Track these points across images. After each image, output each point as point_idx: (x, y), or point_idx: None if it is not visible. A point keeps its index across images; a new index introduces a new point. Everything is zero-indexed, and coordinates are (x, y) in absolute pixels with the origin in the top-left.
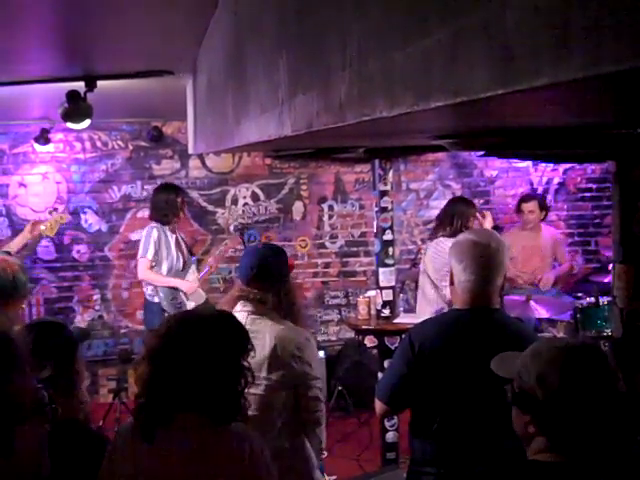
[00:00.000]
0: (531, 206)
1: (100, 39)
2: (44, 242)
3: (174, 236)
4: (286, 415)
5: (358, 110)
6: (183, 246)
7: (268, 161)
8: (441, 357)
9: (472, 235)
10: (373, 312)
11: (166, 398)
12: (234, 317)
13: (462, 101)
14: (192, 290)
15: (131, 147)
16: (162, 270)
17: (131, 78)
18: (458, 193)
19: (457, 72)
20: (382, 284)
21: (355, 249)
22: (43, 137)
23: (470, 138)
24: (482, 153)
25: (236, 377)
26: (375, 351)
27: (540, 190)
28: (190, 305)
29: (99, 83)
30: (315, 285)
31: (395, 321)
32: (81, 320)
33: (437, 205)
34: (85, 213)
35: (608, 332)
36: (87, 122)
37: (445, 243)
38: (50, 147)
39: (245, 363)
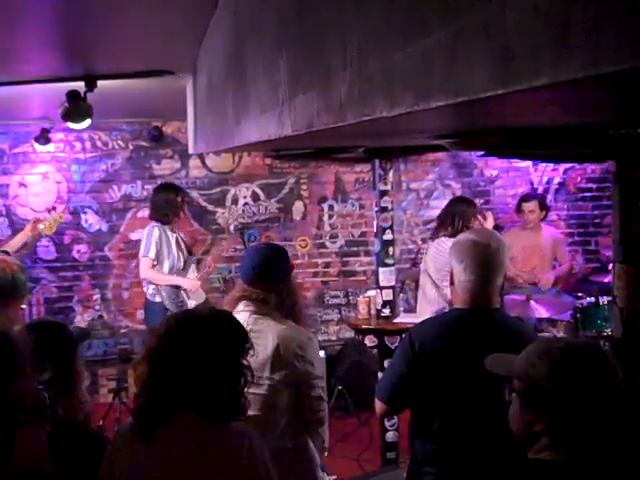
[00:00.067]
0: (531, 206)
1: (100, 39)
2: (44, 242)
3: (174, 235)
4: (289, 415)
5: (358, 110)
6: (183, 246)
7: (268, 161)
8: (441, 357)
9: (472, 235)
10: (373, 312)
11: (165, 398)
12: (233, 316)
13: (462, 101)
14: (195, 288)
15: (131, 147)
16: (164, 269)
17: (131, 78)
18: (458, 193)
19: (457, 72)
20: (382, 284)
21: (355, 249)
22: (43, 137)
23: (470, 138)
24: (482, 153)
25: (235, 376)
26: (375, 351)
27: (540, 190)
28: (191, 304)
29: (99, 83)
30: (315, 285)
31: (395, 321)
32: (81, 320)
33: (437, 205)
34: (85, 213)
35: (608, 332)
36: (87, 122)
37: (446, 243)
38: (50, 147)
39: (244, 362)
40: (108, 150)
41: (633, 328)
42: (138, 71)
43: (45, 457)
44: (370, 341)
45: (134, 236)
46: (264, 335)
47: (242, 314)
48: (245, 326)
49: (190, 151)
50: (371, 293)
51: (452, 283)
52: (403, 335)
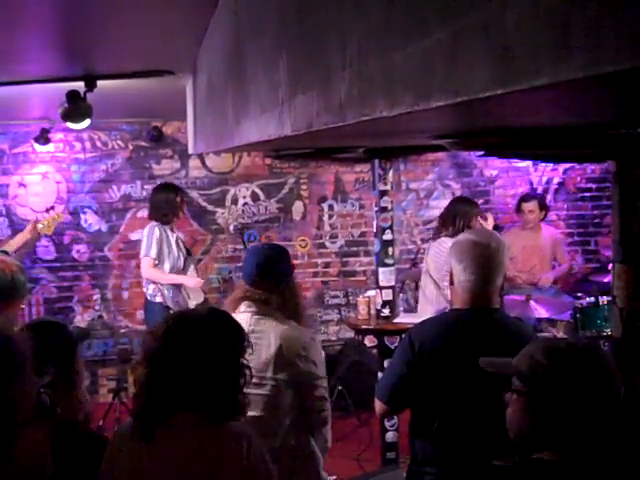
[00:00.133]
0: (531, 206)
1: (100, 39)
2: (44, 242)
3: (174, 235)
4: (292, 415)
5: (358, 110)
6: (182, 245)
7: (268, 161)
8: (441, 357)
9: (472, 235)
10: (373, 312)
11: (165, 398)
12: (230, 316)
13: (462, 101)
14: (198, 285)
15: (131, 147)
16: (164, 268)
17: (131, 78)
18: (458, 193)
19: (457, 72)
20: (382, 284)
21: (355, 249)
22: (43, 137)
23: (470, 138)
24: (482, 153)
25: (234, 375)
26: (375, 351)
27: (540, 190)
28: (192, 304)
29: (99, 83)
30: (315, 285)
31: (395, 321)
32: (81, 320)
33: (437, 205)
34: (85, 213)
35: (608, 332)
36: (87, 122)
37: (447, 243)
38: (50, 147)
39: (243, 361)
40: (108, 150)
41: (633, 328)
42: (138, 71)
43: (46, 458)
44: (370, 341)
45: (134, 236)
46: (266, 336)
47: (244, 315)
48: (247, 327)
49: (190, 151)
50: (371, 293)
51: (452, 283)
52: (403, 335)
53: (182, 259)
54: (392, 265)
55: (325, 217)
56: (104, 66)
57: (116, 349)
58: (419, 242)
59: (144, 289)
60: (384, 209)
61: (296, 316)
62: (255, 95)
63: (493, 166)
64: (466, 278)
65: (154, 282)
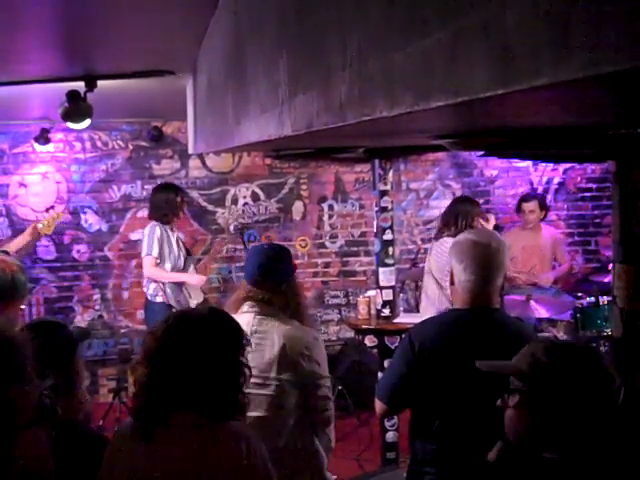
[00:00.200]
0: (532, 206)
1: (100, 39)
2: (44, 242)
3: (175, 235)
4: (296, 415)
5: (358, 110)
6: (182, 245)
7: (268, 161)
8: (441, 357)
9: (472, 235)
10: (373, 312)
11: (164, 397)
12: (229, 315)
13: (462, 101)
14: (201, 282)
15: (131, 147)
16: (165, 268)
17: (131, 78)
18: (458, 193)
19: (457, 72)
20: (382, 284)
21: (355, 249)
22: (43, 137)
23: (470, 138)
24: (482, 153)
25: (234, 375)
26: (375, 351)
27: (540, 190)
28: (193, 303)
29: (99, 83)
30: (315, 285)
31: (395, 321)
32: (81, 320)
33: (437, 205)
34: (85, 213)
35: (608, 332)
36: (87, 122)
37: (449, 243)
38: (50, 147)
39: (243, 360)
40: (108, 150)
41: (633, 328)
42: (138, 71)
43: (47, 459)
44: (370, 341)
45: (134, 236)
46: (270, 336)
47: (247, 315)
48: (250, 327)
49: (190, 151)
50: (371, 293)
51: (452, 283)
52: (403, 335)
53: (182, 259)
54: (392, 265)
55: (325, 217)
56: (104, 66)
57: (116, 349)
58: (419, 242)
59: (144, 289)
60: (384, 209)
61: (298, 316)
62: (255, 95)
63: (493, 166)
64: (466, 278)
65: (156, 281)
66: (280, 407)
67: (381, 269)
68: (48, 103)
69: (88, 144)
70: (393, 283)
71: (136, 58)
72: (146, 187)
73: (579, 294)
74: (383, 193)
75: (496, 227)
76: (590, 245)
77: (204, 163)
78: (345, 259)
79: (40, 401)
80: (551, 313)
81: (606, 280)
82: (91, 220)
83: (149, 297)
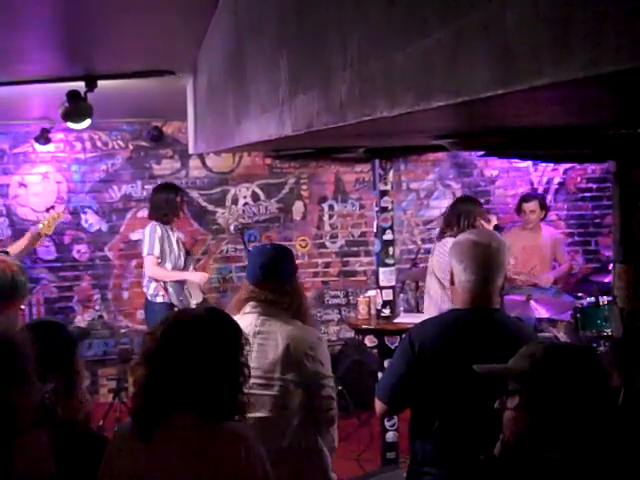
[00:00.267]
0: (532, 206)
1: (100, 39)
2: (44, 242)
3: (175, 235)
4: (300, 415)
5: (359, 110)
6: (181, 245)
7: (268, 161)
8: (441, 357)
9: (473, 235)
10: (373, 312)
11: (164, 398)
12: (228, 315)
13: (463, 101)
14: (204, 280)
15: (131, 147)
16: (166, 267)
17: (131, 78)
18: (458, 193)
19: (458, 72)
20: (382, 284)
21: (355, 249)
22: (43, 137)
23: (470, 138)
24: (482, 153)
25: (233, 375)
26: (375, 351)
27: (540, 190)
28: (193, 303)
29: (99, 83)
30: (315, 285)
31: (395, 321)
32: (81, 320)
33: (437, 205)
34: (85, 213)
35: (608, 332)
36: (87, 122)
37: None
38: (50, 147)
39: (242, 360)
40: (108, 150)
41: (633, 328)
42: (138, 71)
43: (47, 460)
44: (370, 341)
45: (134, 236)
46: (273, 336)
47: (250, 316)
48: (254, 328)
49: (190, 151)
50: (371, 293)
51: (452, 283)
52: (403, 335)
53: (183, 259)
54: (392, 265)
55: (325, 217)
56: (104, 66)
57: (116, 349)
58: (419, 242)
59: (144, 289)
60: (384, 209)
61: (301, 316)
62: (255, 95)
63: (493, 166)
64: (466, 278)
65: (157, 281)
66: (284, 407)
67: (381, 269)
68: (48, 103)
69: (88, 144)
70: (393, 283)
71: (136, 58)
72: (146, 187)
73: (579, 294)
74: (383, 193)
75: (496, 227)
76: (590, 245)
77: (204, 163)
78: (345, 259)
79: (41, 402)
80: (551, 313)
81: (606, 280)
82: (91, 220)
83: (149, 297)
